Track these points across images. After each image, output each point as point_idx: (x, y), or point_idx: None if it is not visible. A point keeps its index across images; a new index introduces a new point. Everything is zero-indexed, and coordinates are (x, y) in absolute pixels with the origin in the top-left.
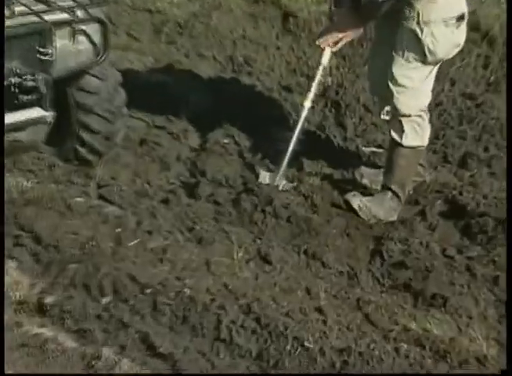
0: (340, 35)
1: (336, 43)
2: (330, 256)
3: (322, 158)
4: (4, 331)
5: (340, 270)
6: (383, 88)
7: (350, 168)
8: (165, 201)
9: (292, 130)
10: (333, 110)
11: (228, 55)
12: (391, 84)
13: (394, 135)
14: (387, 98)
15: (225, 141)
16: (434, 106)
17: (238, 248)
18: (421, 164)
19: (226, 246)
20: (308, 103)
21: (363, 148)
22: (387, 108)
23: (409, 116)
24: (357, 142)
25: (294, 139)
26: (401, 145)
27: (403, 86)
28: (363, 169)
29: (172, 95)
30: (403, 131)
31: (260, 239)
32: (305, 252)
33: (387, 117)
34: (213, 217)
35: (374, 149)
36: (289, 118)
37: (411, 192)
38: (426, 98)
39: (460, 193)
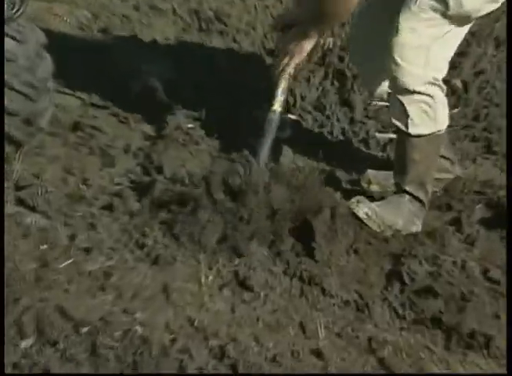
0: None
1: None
2: (332, 280)
3: (320, 149)
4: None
5: (345, 299)
6: (375, 57)
7: (358, 163)
8: (109, 208)
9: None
10: (335, 83)
11: (192, 8)
12: (391, 44)
13: (396, 121)
14: (379, 70)
15: (190, 125)
16: (474, 76)
17: (207, 270)
18: (445, 157)
19: (191, 267)
20: (277, 107)
21: (377, 135)
22: (381, 89)
23: (413, 93)
24: (368, 126)
25: (264, 151)
26: (408, 134)
27: (407, 46)
28: (371, 173)
29: (117, 64)
30: (407, 115)
31: (238, 257)
32: (299, 275)
33: (380, 104)
34: (173, 226)
35: (393, 135)
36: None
37: (438, 193)
38: (438, 68)
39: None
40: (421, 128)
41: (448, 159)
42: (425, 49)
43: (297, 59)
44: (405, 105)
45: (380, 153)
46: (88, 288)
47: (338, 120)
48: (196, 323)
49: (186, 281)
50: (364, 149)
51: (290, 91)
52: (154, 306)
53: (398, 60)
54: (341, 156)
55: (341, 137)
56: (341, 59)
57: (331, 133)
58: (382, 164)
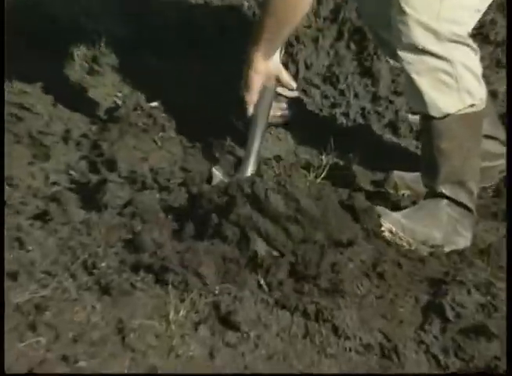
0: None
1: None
2: (348, 315)
3: (331, 137)
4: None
5: (365, 342)
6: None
7: (383, 157)
8: (42, 217)
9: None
10: (352, 46)
11: None
12: None
13: (412, 104)
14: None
15: (153, 104)
16: None
17: (177, 302)
18: (491, 137)
19: (156, 298)
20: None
21: (410, 116)
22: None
23: (424, 53)
24: (397, 104)
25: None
26: (429, 117)
27: None
28: (397, 176)
29: (54, 19)
30: (420, 90)
31: (217, 285)
32: (302, 309)
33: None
34: (130, 245)
35: None
36: None
37: (490, 191)
38: (456, 19)
39: None
40: (444, 106)
41: (496, 139)
42: None
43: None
44: (415, 77)
45: (413, 142)
46: (13, 327)
47: (356, 96)
48: None
49: (149, 317)
50: (391, 136)
51: (291, 56)
52: (105, 352)
53: (405, 7)
54: (360, 146)
55: (361, 120)
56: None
57: (347, 115)
58: (415, 157)
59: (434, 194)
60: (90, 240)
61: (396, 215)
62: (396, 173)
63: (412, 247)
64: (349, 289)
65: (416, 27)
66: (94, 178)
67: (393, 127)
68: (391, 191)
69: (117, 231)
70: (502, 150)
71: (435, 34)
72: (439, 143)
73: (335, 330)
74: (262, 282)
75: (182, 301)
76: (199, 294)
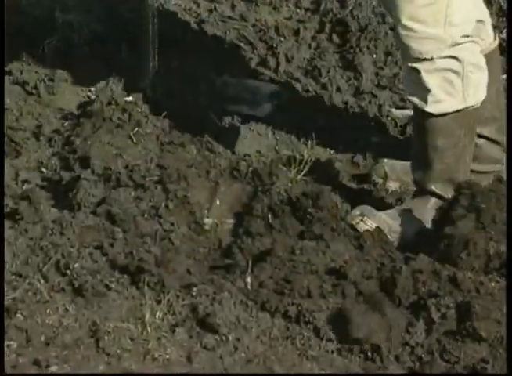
0: None
1: None
2: (329, 317)
3: (313, 132)
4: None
5: (348, 344)
6: None
7: (366, 152)
8: (12, 216)
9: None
10: (335, 39)
11: None
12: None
13: (411, 97)
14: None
15: (128, 99)
16: None
17: (154, 303)
18: (493, 140)
19: (131, 300)
20: None
21: (393, 111)
22: None
23: (433, 60)
24: (381, 98)
25: None
26: (428, 113)
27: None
28: (387, 164)
29: (27, 9)
30: (426, 88)
31: (195, 286)
32: (283, 310)
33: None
34: (104, 244)
35: None
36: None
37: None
38: (465, 20)
39: None
40: (446, 105)
41: (499, 144)
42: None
43: None
44: (423, 75)
45: (397, 136)
46: None
47: (339, 90)
48: None
49: (124, 320)
50: (375, 131)
51: (271, 49)
52: (78, 356)
53: (410, 24)
54: (343, 142)
55: (343, 114)
56: (343, 3)
57: (328, 109)
58: (400, 153)
59: (423, 192)
60: (63, 240)
61: (382, 215)
62: (387, 161)
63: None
64: (330, 290)
65: (424, 41)
66: (66, 175)
67: (377, 122)
68: (379, 181)
69: (90, 231)
70: (503, 155)
71: (444, 42)
72: (434, 140)
73: (317, 332)
74: (242, 283)
75: (159, 302)
76: (176, 296)
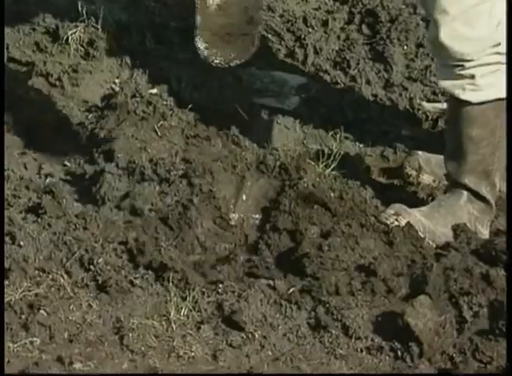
0: None
1: None
2: (359, 315)
3: (342, 126)
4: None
5: (378, 343)
6: None
7: (396, 145)
8: (35, 210)
9: None
10: (364, 30)
11: None
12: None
13: (445, 82)
14: None
15: (153, 91)
16: None
17: (179, 300)
18: None
19: (156, 296)
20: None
21: (425, 104)
22: None
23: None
24: (411, 91)
25: None
26: (465, 102)
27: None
28: (422, 157)
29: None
30: (466, 77)
31: (221, 282)
32: (311, 308)
33: None
34: (129, 240)
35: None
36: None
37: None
38: (504, 10)
39: None
40: (486, 93)
41: None
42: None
43: None
44: (462, 68)
45: (428, 130)
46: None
47: (368, 82)
48: None
49: (148, 317)
50: (406, 124)
51: (299, 40)
52: (101, 353)
53: (453, 24)
54: (372, 135)
55: (373, 108)
56: None
57: (357, 102)
58: (431, 147)
59: (456, 185)
60: (86, 234)
61: (416, 214)
62: (421, 154)
63: (432, 242)
64: (359, 287)
65: (468, 42)
66: (90, 169)
67: (407, 115)
68: (412, 173)
69: (115, 226)
70: None
71: (488, 43)
72: (470, 130)
73: (345, 330)
74: (269, 280)
75: (184, 299)
76: (201, 293)
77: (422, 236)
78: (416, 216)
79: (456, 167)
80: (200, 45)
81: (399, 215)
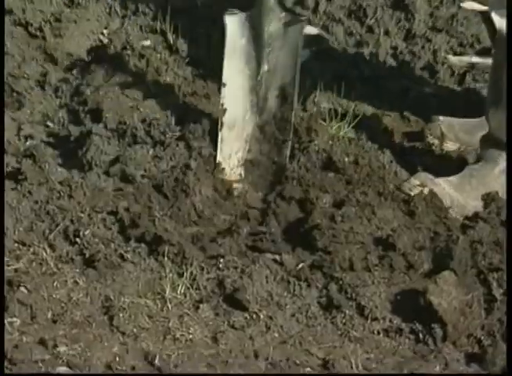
0: None
1: None
2: (376, 293)
3: (358, 83)
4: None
5: (397, 325)
6: None
7: (417, 103)
8: (14, 177)
9: None
10: None
11: None
12: None
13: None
14: None
15: (146, 43)
16: None
17: (175, 277)
18: None
19: (149, 272)
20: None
21: (451, 58)
22: None
23: None
24: (435, 43)
25: None
26: None
27: None
28: (445, 122)
29: None
30: None
31: (222, 257)
32: (323, 285)
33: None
34: (119, 209)
35: (477, 59)
36: None
37: None
38: None
39: None
40: None
41: None
42: None
43: None
44: None
45: (456, 88)
46: None
47: (387, 33)
48: (156, 362)
49: (141, 295)
50: (429, 81)
51: None
52: (89, 335)
53: None
54: (391, 93)
55: (392, 62)
56: None
57: (375, 55)
58: (457, 107)
59: (498, 145)
60: (72, 204)
61: (445, 185)
62: (443, 120)
63: (460, 215)
64: (376, 262)
65: None
66: (75, 130)
67: (431, 70)
68: (434, 142)
69: (103, 194)
70: None
71: None
72: None
73: (361, 310)
74: (275, 254)
75: (180, 275)
76: (200, 268)
77: (450, 212)
78: (445, 188)
79: (501, 123)
80: None
81: (425, 186)
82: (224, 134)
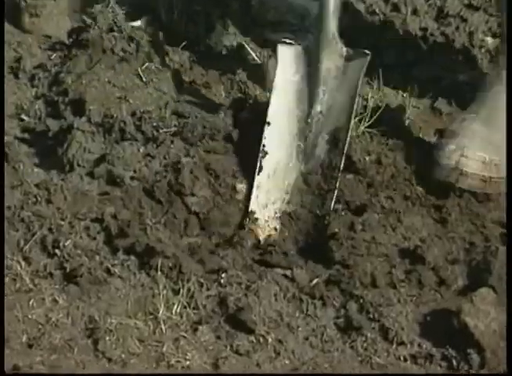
0: None
1: None
2: (403, 314)
3: (381, 69)
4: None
5: (427, 350)
6: None
7: (451, 93)
8: None
9: None
10: None
11: None
12: None
13: None
14: None
15: (135, 23)
16: None
17: (170, 293)
18: None
19: (139, 288)
20: None
21: (488, 39)
22: None
23: None
24: (471, 23)
25: None
26: None
27: None
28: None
29: None
30: None
31: (224, 271)
32: (341, 304)
33: None
34: (105, 216)
35: None
36: None
37: None
38: None
39: None
40: None
41: None
42: None
43: None
44: None
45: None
46: None
47: (416, 12)
48: None
49: (130, 315)
50: (463, 66)
51: None
52: (70, 361)
53: None
54: (420, 81)
55: (421, 45)
56: None
57: (401, 38)
58: None
59: None
60: (50, 209)
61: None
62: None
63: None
64: (402, 277)
65: None
66: (55, 125)
67: (466, 54)
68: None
69: (87, 198)
70: None
71: None
72: None
73: (385, 332)
74: (286, 269)
75: (176, 293)
76: (198, 284)
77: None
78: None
79: None
80: None
81: (464, 148)
82: (261, 180)
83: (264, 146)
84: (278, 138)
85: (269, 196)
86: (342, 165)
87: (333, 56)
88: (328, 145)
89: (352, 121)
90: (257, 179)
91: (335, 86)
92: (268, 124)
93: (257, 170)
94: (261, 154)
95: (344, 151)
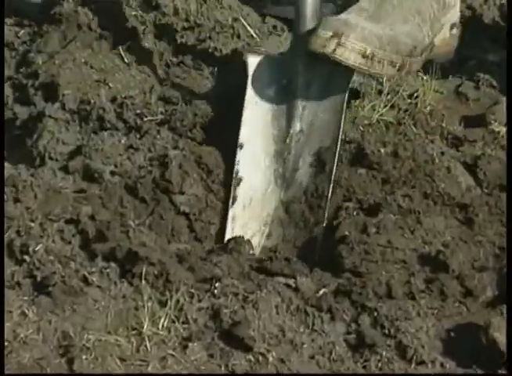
0: None
1: None
2: (423, 329)
3: None
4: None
5: (453, 371)
6: None
7: (479, 77)
8: None
9: None
10: None
11: None
12: None
13: None
14: None
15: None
16: None
17: (156, 306)
18: None
19: (120, 300)
20: None
21: None
22: None
23: None
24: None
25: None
26: None
27: None
28: None
29: None
30: None
31: (218, 280)
32: (352, 318)
33: None
34: (81, 217)
35: None
36: None
37: None
38: None
39: None
40: None
41: None
42: None
43: None
44: None
45: None
46: None
47: None
48: None
49: (111, 330)
50: (492, 43)
51: None
52: None
53: None
54: (443, 63)
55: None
56: None
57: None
58: None
59: None
60: (19, 209)
61: (366, 25)
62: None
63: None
64: (422, 287)
65: None
66: (23, 112)
67: (495, 30)
68: (500, 129)
69: (60, 196)
70: None
71: None
72: None
73: (402, 350)
74: (289, 277)
75: (163, 305)
76: (189, 295)
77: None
78: (366, 28)
79: None
80: None
81: (341, 35)
82: (236, 211)
83: (237, 172)
84: (252, 161)
85: (246, 229)
86: (330, 193)
87: (314, 67)
88: (312, 168)
89: (340, 142)
90: (232, 211)
91: (316, 101)
92: (241, 146)
93: (230, 200)
94: (234, 182)
95: (332, 177)
